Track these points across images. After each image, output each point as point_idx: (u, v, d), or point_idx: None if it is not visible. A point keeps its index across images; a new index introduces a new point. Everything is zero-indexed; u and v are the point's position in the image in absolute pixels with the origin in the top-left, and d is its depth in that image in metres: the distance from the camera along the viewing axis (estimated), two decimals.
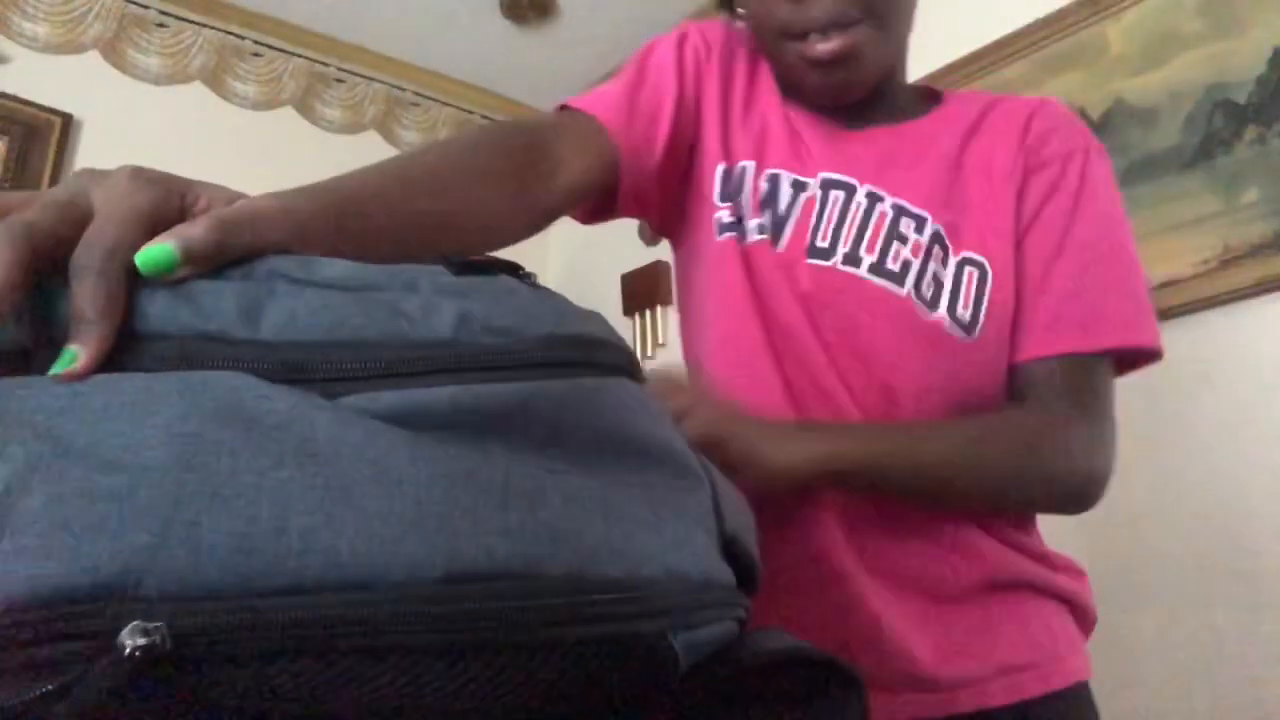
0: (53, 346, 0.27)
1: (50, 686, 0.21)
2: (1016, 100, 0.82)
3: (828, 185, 0.75)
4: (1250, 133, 1.61)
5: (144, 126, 2.56)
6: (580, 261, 3.10)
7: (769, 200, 0.75)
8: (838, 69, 0.72)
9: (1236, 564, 1.47)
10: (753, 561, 0.37)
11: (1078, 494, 0.69)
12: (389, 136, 3.00)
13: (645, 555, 0.29)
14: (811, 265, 0.72)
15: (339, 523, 0.24)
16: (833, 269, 0.71)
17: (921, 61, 2.15)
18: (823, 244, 0.72)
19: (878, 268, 0.71)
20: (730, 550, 0.35)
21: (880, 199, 0.74)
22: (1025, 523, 0.74)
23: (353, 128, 2.91)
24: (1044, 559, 0.73)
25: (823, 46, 0.71)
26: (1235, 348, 1.56)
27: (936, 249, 0.72)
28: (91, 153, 2.46)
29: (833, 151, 0.77)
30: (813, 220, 0.73)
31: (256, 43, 2.80)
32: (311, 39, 2.88)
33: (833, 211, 0.73)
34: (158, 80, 2.62)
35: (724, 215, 0.75)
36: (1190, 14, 1.73)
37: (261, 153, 2.73)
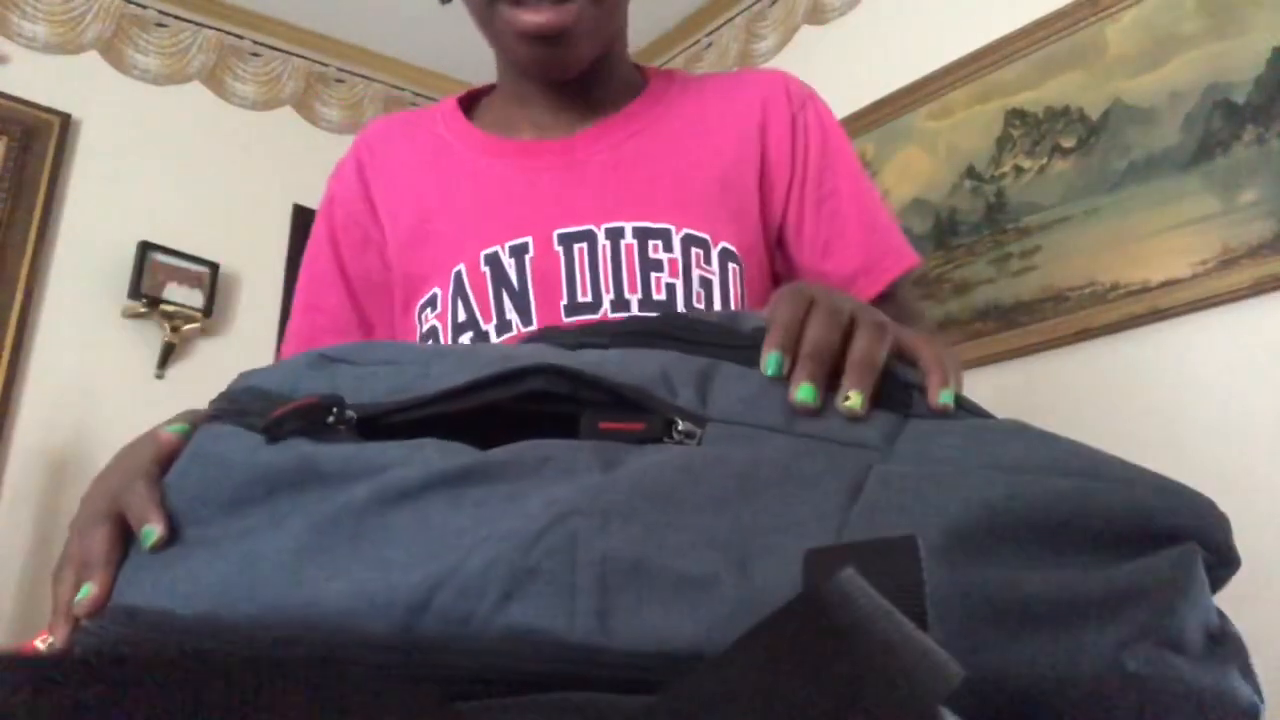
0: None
1: None
2: (729, 79, 0.81)
3: (567, 240, 0.70)
4: (1249, 133, 1.61)
5: (143, 126, 2.55)
6: None
7: (500, 282, 0.70)
8: (548, 43, 0.67)
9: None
10: None
11: None
12: None
13: None
14: (576, 321, 0.68)
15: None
16: (603, 319, 0.67)
17: (921, 62, 2.16)
18: (584, 299, 0.69)
19: (646, 303, 0.68)
20: None
21: (620, 233, 0.70)
22: None
23: (352, 128, 2.90)
24: None
25: (531, 18, 0.65)
26: (1234, 348, 1.56)
27: (695, 250, 0.69)
28: (91, 153, 2.45)
29: (554, 195, 0.72)
30: (563, 280, 0.69)
31: (256, 43, 2.80)
32: (311, 39, 2.88)
33: (583, 265, 0.69)
34: (157, 80, 2.62)
35: (460, 314, 0.71)
36: (1190, 14, 1.73)
37: (261, 153, 2.73)
